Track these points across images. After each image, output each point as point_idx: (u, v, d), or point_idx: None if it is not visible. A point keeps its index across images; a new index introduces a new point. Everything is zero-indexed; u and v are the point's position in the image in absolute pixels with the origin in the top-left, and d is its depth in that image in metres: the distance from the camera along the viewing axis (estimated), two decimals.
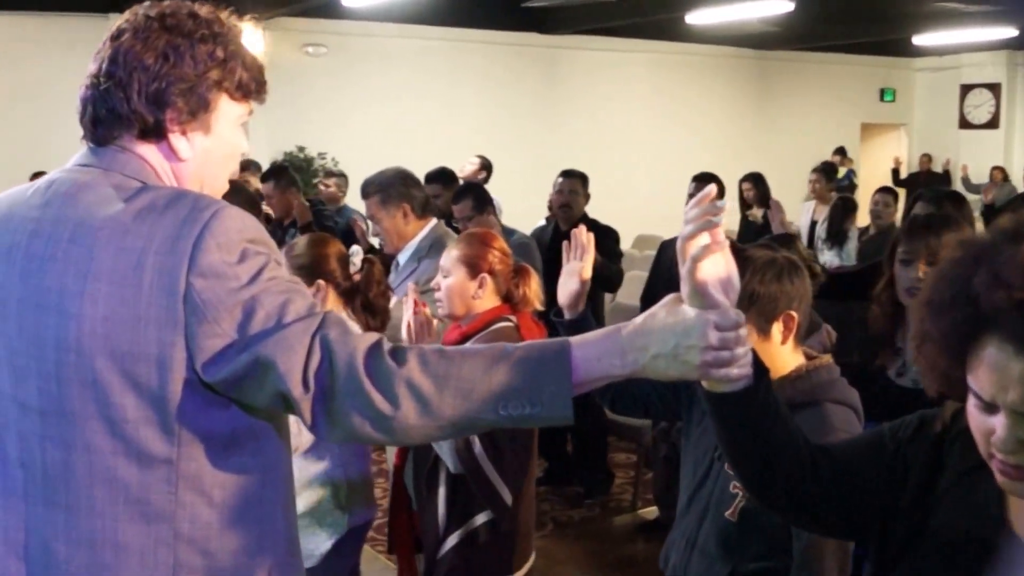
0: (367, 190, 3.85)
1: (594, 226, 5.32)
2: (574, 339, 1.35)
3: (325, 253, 2.85)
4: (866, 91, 15.89)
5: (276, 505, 1.51)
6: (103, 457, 1.37)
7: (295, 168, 10.11)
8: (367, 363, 1.33)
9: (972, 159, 14.50)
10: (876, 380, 2.81)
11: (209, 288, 1.34)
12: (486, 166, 7.70)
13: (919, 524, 1.36)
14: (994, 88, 15.45)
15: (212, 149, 1.52)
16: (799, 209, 8.01)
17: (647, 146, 13.02)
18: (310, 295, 1.43)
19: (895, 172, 14.66)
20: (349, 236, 5.30)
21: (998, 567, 1.26)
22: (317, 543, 2.63)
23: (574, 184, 5.50)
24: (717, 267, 1.32)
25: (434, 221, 3.89)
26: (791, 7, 9.85)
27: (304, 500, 2.61)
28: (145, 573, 1.39)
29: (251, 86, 1.53)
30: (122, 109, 1.44)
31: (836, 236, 6.99)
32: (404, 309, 2.63)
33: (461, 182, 5.98)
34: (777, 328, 2.01)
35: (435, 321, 2.68)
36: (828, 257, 6.87)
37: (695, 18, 10.85)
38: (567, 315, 2.23)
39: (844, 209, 7.13)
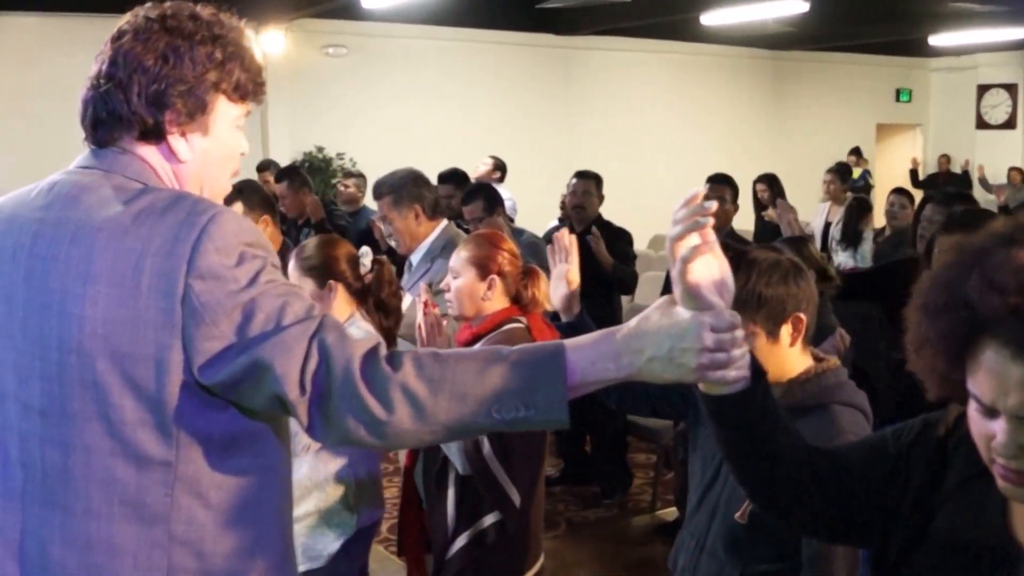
0: (379, 191, 3.85)
1: (607, 228, 5.33)
2: (569, 342, 1.35)
3: (335, 254, 2.85)
4: (882, 91, 15.79)
5: (273, 507, 1.50)
6: (101, 458, 1.38)
7: (314, 168, 10.17)
8: (363, 368, 1.33)
9: (989, 160, 14.40)
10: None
11: (208, 291, 1.34)
12: (499, 166, 7.69)
13: (920, 528, 1.35)
14: (1011, 88, 15.36)
15: (211, 150, 1.52)
16: (814, 210, 7.97)
17: (661, 147, 12.98)
18: (308, 298, 1.43)
19: (914, 173, 14.58)
20: (368, 238, 5.29)
21: (999, 573, 1.25)
22: (325, 544, 2.63)
23: (588, 185, 5.47)
24: (710, 268, 1.30)
25: (445, 222, 3.89)
26: (806, 7, 9.80)
27: (315, 500, 2.62)
28: (138, 575, 1.39)
29: (248, 87, 1.53)
30: (122, 111, 1.44)
31: (851, 237, 6.93)
32: (416, 310, 2.64)
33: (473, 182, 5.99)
34: (786, 331, 2.00)
35: (445, 321, 2.68)
36: (843, 258, 6.82)
37: (710, 19, 10.81)
38: (563, 318, 2.25)
39: (859, 210, 7.07)
